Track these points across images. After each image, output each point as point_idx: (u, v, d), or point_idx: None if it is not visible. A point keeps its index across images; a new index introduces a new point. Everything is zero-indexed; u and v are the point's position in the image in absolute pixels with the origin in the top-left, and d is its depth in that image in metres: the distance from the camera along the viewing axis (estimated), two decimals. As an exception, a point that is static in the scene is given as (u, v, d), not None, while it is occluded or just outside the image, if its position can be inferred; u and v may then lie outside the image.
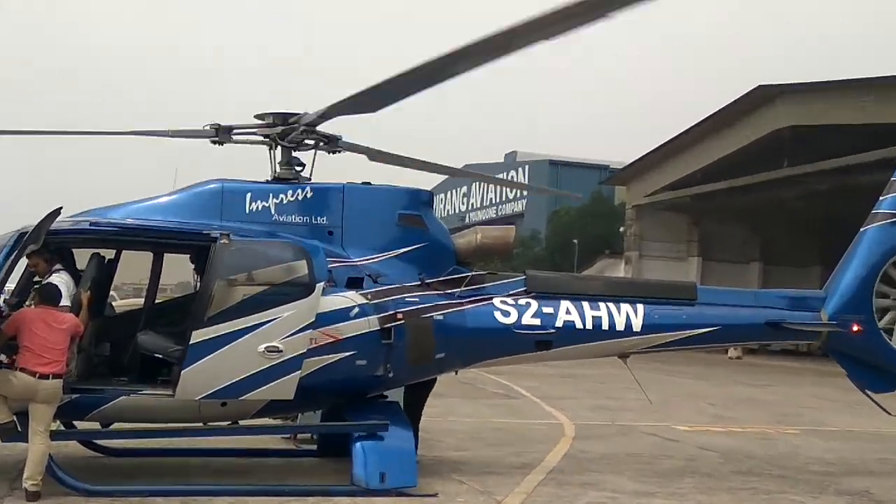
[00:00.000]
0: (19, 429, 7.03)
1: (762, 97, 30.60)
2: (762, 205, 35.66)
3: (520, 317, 8.77)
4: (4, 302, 7.68)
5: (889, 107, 26.14)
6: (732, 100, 32.26)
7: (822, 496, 8.62)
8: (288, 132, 8.35)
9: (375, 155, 9.05)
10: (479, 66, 6.92)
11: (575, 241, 46.84)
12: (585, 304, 9.01)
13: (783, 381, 25.22)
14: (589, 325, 8.92)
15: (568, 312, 8.91)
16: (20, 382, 6.92)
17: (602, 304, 9.06)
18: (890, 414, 10.28)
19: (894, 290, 9.71)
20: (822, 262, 32.09)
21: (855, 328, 9.32)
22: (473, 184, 64.30)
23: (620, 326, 9.00)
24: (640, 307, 9.15)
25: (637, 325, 9.11)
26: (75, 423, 8.13)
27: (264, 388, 7.53)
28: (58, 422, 7.61)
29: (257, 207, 8.15)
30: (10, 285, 8.07)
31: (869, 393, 9.91)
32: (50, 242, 7.54)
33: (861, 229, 10.02)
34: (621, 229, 42.86)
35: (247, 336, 7.45)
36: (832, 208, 31.40)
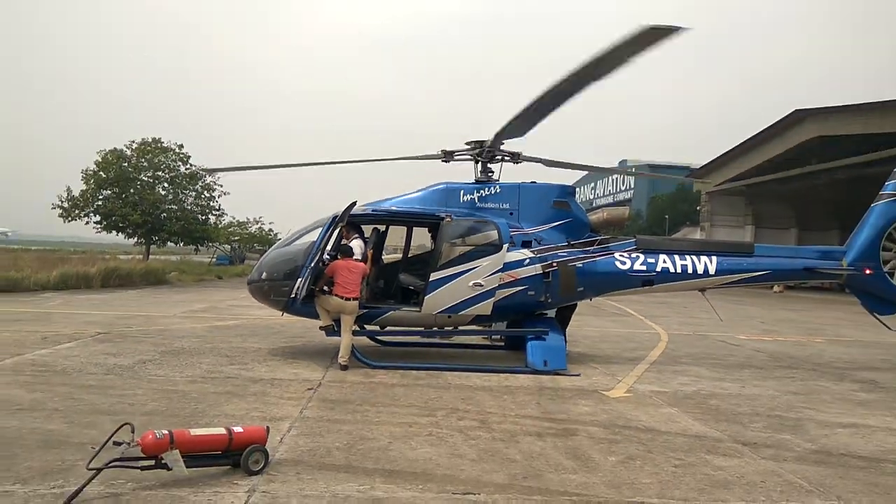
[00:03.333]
0: (335, 329, 9.81)
1: (796, 118, 40.66)
2: (797, 189, 46.35)
3: (632, 265, 10.95)
4: (327, 256, 10.05)
5: (886, 121, 33.89)
6: (776, 119, 43.01)
7: (842, 383, 10.29)
8: (483, 152, 10.84)
9: (549, 163, 11.16)
10: (585, 87, 8.03)
11: (666, 216, 61.39)
12: (676, 256, 11.07)
13: (813, 308, 28.26)
14: (678, 270, 11.02)
15: (664, 262, 11.00)
16: (336, 302, 9.62)
17: (687, 256, 11.10)
18: (890, 329, 11.99)
19: (894, 246, 11.50)
20: (841, 228, 42.35)
21: (867, 271, 11.34)
22: (598, 179, 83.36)
23: (700, 271, 11.06)
24: (713, 258, 11.12)
25: (711, 270, 11.06)
26: (366, 326, 10.78)
27: (473, 307, 10.10)
28: (356, 325, 10.14)
29: (467, 198, 10.66)
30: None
31: (876, 315, 11.80)
32: (350, 221, 10.29)
33: (871, 205, 11.80)
34: (698, 208, 54.93)
35: (462, 276, 10.04)
36: (848, 191, 39.85)
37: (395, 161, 11.35)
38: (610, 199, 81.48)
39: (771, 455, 6.30)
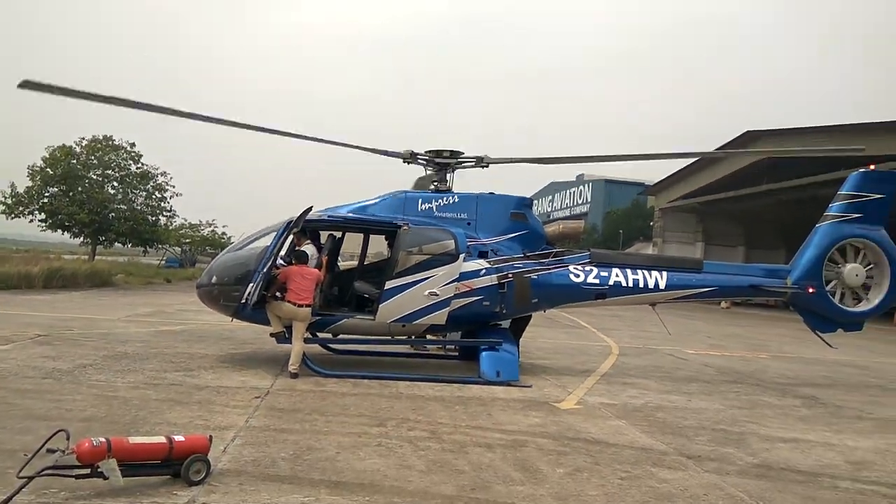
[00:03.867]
0: (286, 336, 9.61)
1: (749, 137, 42.05)
2: (747, 208, 47.72)
3: (586, 277, 11.08)
4: (280, 262, 9.92)
5: (836, 144, 32.99)
6: (729, 139, 43.67)
7: (784, 398, 10.56)
8: (444, 162, 10.94)
9: (518, 161, 11.21)
10: None
11: (620, 231, 62.88)
12: (628, 271, 11.26)
13: (758, 324, 29.17)
14: (630, 284, 11.20)
15: (617, 275, 11.17)
16: (287, 309, 9.43)
17: (639, 271, 11.30)
18: (831, 346, 12.51)
19: (836, 267, 11.82)
20: (787, 247, 43.86)
21: (810, 290, 11.67)
22: (556, 192, 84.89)
23: (651, 285, 11.26)
24: (664, 273, 11.35)
25: (662, 285, 11.29)
26: (318, 333, 10.44)
27: (427, 316, 10.03)
28: (308, 332, 9.85)
29: (425, 207, 10.65)
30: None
31: (817, 333, 12.12)
32: (305, 227, 10.09)
33: (816, 225, 12.14)
34: (651, 224, 56.42)
35: (418, 285, 9.95)
36: (795, 211, 40.88)
37: (357, 150, 11.18)
38: (567, 213, 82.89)
39: (714, 468, 6.43)
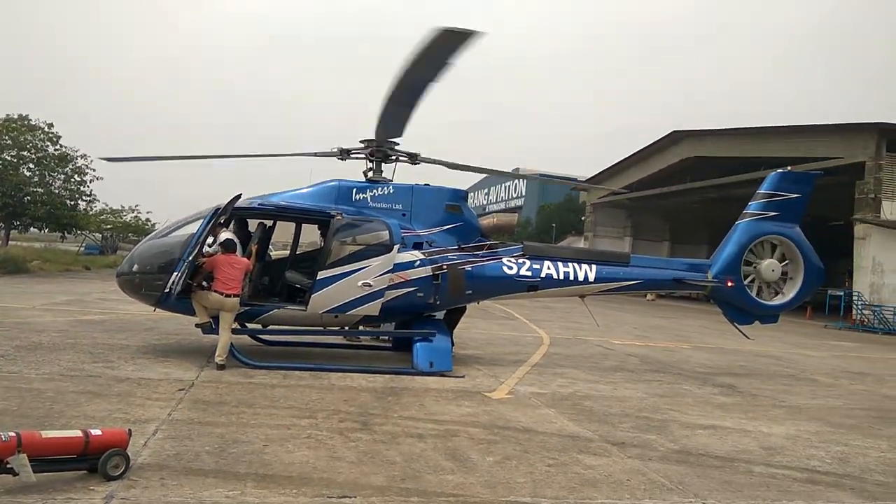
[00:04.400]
0: (213, 326, 9.41)
1: (673, 138, 44.33)
2: (672, 205, 50.27)
3: (518, 270, 11.16)
4: (206, 251, 9.59)
5: (757, 147, 37.09)
6: (655, 139, 45.89)
7: (704, 387, 10.93)
8: (376, 151, 10.81)
9: (450, 165, 11.29)
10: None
11: (553, 224, 65.57)
12: (559, 263, 11.42)
13: (682, 316, 30.23)
14: (561, 277, 11.36)
15: (549, 268, 11.32)
16: (214, 299, 9.22)
17: (570, 264, 11.47)
18: (748, 337, 13.10)
19: (755, 261, 12.29)
20: (710, 242, 45.83)
21: (729, 283, 12.11)
22: (491, 186, 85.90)
23: (581, 278, 11.45)
24: (593, 266, 11.57)
25: (591, 277, 11.49)
26: (247, 324, 10.40)
27: (361, 307, 9.95)
28: (236, 323, 9.71)
29: (359, 197, 10.54)
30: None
31: (736, 325, 12.61)
32: (233, 215, 9.93)
33: (736, 222, 12.60)
34: (583, 218, 58.04)
35: (351, 276, 9.87)
36: (717, 208, 43.30)
37: (289, 157, 11.02)
38: (502, 206, 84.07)
39: (637, 454, 6.64)
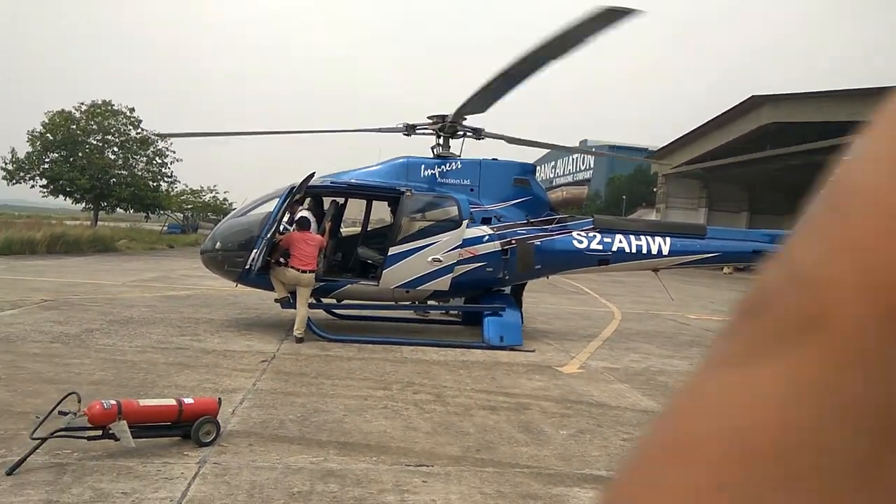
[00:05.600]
0: (291, 301, 9.71)
1: (753, 103, 41.50)
2: (750, 174, 47.47)
3: (589, 244, 11.02)
4: (283, 229, 9.98)
5: (840, 109, 34.95)
6: (734, 104, 43.11)
7: None
8: (445, 126, 10.82)
9: (511, 140, 11.22)
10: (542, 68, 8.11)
11: (623, 197, 63.29)
12: (631, 237, 11.19)
13: None
14: (633, 250, 11.13)
15: (620, 242, 11.10)
16: (291, 275, 9.50)
17: (642, 237, 11.23)
18: None
19: None
20: (792, 212, 38.51)
21: None
22: (558, 159, 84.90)
23: (654, 251, 11.18)
24: (667, 239, 11.26)
25: (665, 250, 11.20)
26: (322, 299, 10.50)
27: (431, 282, 10.11)
28: (312, 298, 9.95)
29: (428, 173, 10.61)
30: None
31: None
32: (308, 193, 10.20)
33: None
34: (654, 190, 56.21)
35: (421, 251, 10.01)
36: (800, 177, 39.34)
37: (356, 133, 11.10)
38: (570, 179, 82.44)
39: (715, 430, 6.51)
